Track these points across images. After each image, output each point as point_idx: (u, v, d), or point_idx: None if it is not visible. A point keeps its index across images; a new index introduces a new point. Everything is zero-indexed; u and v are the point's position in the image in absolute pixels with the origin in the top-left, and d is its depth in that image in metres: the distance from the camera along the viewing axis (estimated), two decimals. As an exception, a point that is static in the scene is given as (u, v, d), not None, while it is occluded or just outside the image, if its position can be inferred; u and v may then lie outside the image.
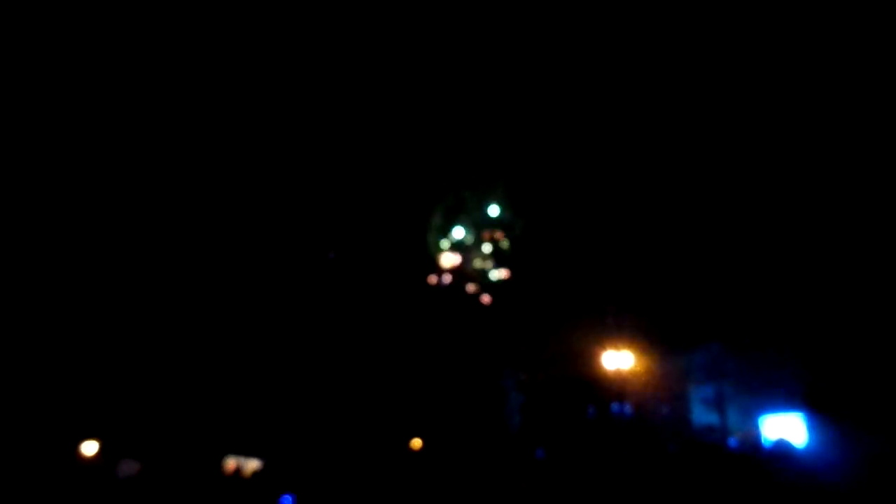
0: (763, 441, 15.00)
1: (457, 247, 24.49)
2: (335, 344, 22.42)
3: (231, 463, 15.21)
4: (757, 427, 17.13)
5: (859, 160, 18.31)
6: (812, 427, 15.43)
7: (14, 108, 19.31)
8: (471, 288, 23.85)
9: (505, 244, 24.38)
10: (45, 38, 19.47)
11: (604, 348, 20.23)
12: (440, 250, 24.36)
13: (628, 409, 20.78)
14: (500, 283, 23.98)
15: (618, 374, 19.76)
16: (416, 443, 20.75)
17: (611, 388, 20.35)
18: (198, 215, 22.11)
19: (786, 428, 14.98)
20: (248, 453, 16.33)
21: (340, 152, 22.72)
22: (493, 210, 24.45)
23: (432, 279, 24.10)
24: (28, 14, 19.04)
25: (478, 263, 24.19)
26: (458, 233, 24.34)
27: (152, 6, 20.21)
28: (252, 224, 22.67)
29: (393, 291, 23.48)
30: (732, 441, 16.86)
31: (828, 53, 18.18)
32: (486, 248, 24.38)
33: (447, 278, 24.17)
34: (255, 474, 14.37)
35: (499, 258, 24.31)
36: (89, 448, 18.41)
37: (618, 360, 19.71)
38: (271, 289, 22.64)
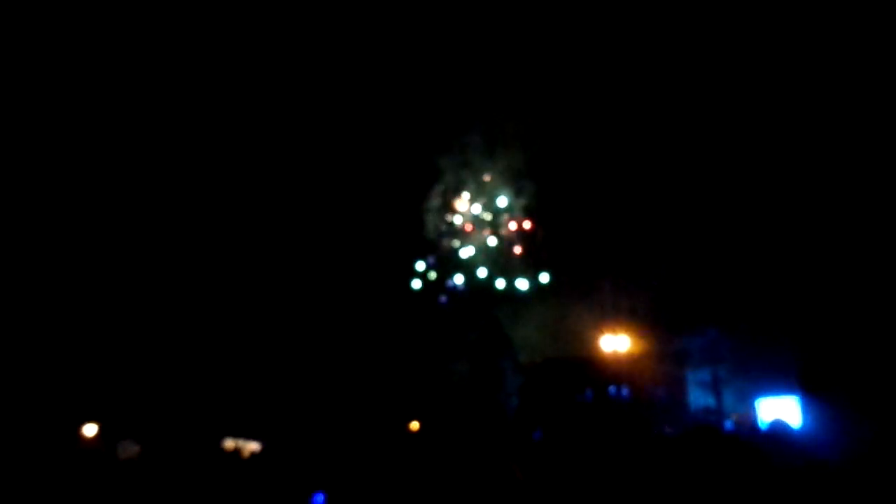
0: (759, 423, 15.09)
1: (452, 228, 24.43)
2: (332, 328, 22.46)
3: (230, 444, 15.29)
4: (753, 409, 17.25)
5: (853, 147, 18.33)
6: (807, 409, 15.55)
7: (14, 107, 19.25)
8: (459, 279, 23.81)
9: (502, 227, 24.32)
10: (45, 38, 19.36)
11: (601, 331, 20.32)
12: (436, 233, 24.30)
13: (625, 391, 20.91)
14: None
15: (615, 356, 19.87)
16: (414, 425, 20.86)
17: (608, 371, 20.46)
18: (187, 203, 22.05)
19: (781, 410, 15.08)
20: (247, 435, 16.41)
21: (335, 140, 22.60)
22: (498, 190, 24.32)
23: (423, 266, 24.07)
24: (28, 14, 18.90)
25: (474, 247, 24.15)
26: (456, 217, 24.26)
27: (152, 6, 20.09)
28: (246, 211, 22.62)
29: (388, 275, 23.49)
30: (728, 423, 16.98)
31: (834, 43, 18.16)
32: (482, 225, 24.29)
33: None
34: (254, 456, 14.47)
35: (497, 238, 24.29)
36: (89, 430, 18.54)
37: (615, 343, 19.81)
38: (268, 271, 22.65)
